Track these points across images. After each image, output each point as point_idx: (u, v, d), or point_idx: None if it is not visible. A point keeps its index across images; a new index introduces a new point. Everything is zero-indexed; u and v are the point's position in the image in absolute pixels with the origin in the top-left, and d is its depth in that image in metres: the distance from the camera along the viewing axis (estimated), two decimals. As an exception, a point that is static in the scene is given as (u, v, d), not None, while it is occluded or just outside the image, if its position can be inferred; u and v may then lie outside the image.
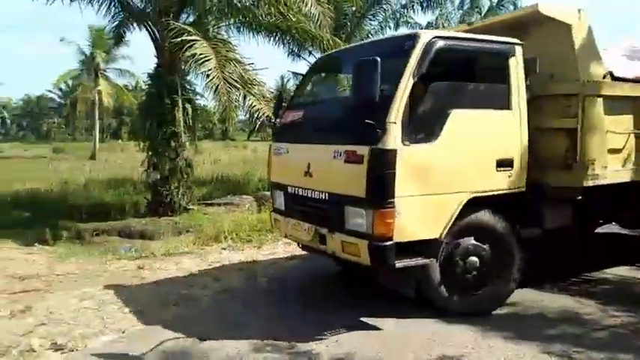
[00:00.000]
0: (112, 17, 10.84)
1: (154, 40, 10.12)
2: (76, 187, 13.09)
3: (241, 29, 10.87)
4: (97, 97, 32.34)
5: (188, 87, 10.34)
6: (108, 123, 45.48)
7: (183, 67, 10.16)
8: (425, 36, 4.16)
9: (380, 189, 3.92)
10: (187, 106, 10.01)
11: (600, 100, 4.67)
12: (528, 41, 4.82)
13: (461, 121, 4.20)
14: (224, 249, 7.34)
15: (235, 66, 9.26)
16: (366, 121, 3.90)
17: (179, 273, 6.12)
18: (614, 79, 4.90)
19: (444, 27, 18.48)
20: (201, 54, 8.56)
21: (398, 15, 16.00)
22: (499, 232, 4.41)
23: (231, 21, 10.72)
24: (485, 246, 4.37)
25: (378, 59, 3.82)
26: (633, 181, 5.01)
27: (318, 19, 10.61)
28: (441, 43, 4.19)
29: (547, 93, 4.77)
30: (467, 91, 4.38)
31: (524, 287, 5.05)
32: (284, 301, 5.01)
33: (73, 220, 9.26)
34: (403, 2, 15.67)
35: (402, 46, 4.18)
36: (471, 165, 4.24)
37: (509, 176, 4.39)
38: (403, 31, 19.41)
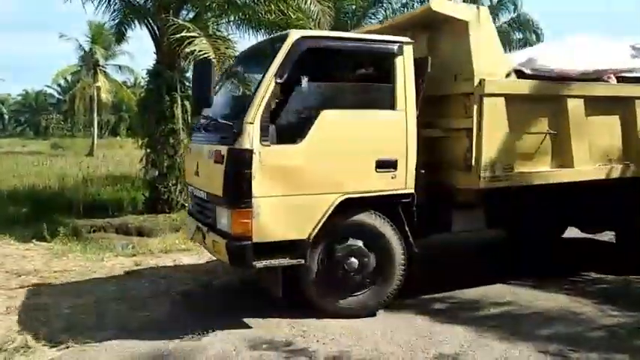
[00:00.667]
0: (112, 13, 10.85)
1: (154, 36, 10.12)
2: (74, 184, 13.08)
3: (241, 26, 10.87)
4: (95, 94, 32.28)
5: (187, 84, 10.33)
6: (106, 119, 45.37)
7: (182, 63, 10.17)
8: (292, 36, 4.15)
9: (235, 189, 3.94)
10: (186, 103, 10.01)
11: (501, 99, 4.52)
12: (437, 39, 4.83)
13: (332, 121, 4.16)
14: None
15: (235, 63, 9.25)
16: (219, 121, 3.97)
17: (177, 270, 6.12)
18: (525, 77, 4.78)
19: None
20: (200, 50, 8.56)
21: (398, 14, 15.96)
22: (382, 234, 4.32)
23: (231, 18, 10.72)
24: (366, 247, 4.29)
25: (212, 61, 3.90)
26: (575, 182, 4.87)
27: (317, 17, 10.60)
28: (310, 44, 4.18)
29: (446, 93, 4.73)
30: (342, 92, 4.36)
31: (519, 286, 5.09)
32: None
33: (71, 217, 9.26)
34: (404, 1, 15.63)
35: (274, 46, 4.19)
36: (343, 166, 4.16)
37: (392, 177, 4.29)
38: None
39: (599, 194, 5.15)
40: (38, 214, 9.34)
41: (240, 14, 10.45)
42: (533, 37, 16.81)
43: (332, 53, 4.42)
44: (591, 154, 4.97)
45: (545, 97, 4.81)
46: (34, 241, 7.67)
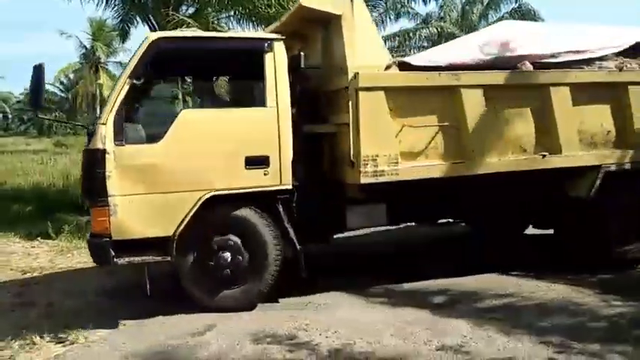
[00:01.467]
0: (113, 9, 10.89)
1: (154, 32, 10.11)
2: (78, 181, 13.12)
3: (241, 21, 10.86)
4: (98, 91, 32.34)
5: (188, 79, 10.33)
6: (109, 116, 45.59)
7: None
8: (150, 38, 4.22)
9: (91, 188, 4.06)
10: (188, 98, 10.01)
11: (380, 92, 4.38)
12: (327, 34, 4.78)
13: (193, 120, 4.24)
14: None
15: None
16: (73, 123, 4.10)
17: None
18: (412, 68, 4.64)
19: (447, 18, 18.39)
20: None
21: (399, 6, 15.90)
22: (255, 230, 4.33)
23: (231, 12, 10.71)
24: (239, 243, 4.31)
25: (43, 64, 3.98)
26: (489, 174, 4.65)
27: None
28: (170, 45, 4.27)
29: (334, 88, 4.67)
30: (207, 91, 4.45)
31: (521, 277, 5.09)
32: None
33: (75, 214, 9.29)
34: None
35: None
36: (208, 164, 4.18)
37: (265, 174, 4.30)
38: (404, 23, 19.29)
39: (524, 187, 4.97)
40: (43, 211, 9.37)
41: (240, 9, 10.44)
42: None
43: (196, 53, 4.49)
44: (497, 146, 4.73)
45: (434, 89, 4.60)
46: (38, 238, 7.71)
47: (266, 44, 4.38)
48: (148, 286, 4.28)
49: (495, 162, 4.73)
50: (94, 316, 4.47)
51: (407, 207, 4.92)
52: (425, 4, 16.29)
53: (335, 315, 4.26)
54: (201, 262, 4.30)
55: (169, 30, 9.15)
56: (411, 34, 17.53)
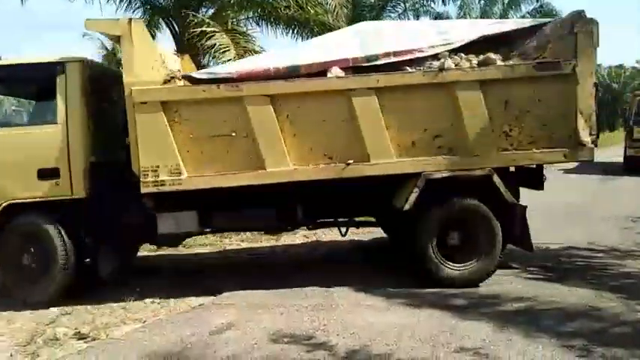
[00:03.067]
0: (133, 12, 11.00)
1: (174, 33, 10.22)
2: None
3: (260, 22, 10.91)
4: (119, 91, 32.71)
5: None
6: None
7: (201, 60, 10.24)
8: None
9: None
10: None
11: (157, 106, 4.56)
12: None
13: None
14: (243, 241, 7.42)
15: (254, 57, 9.30)
16: None
17: (199, 264, 6.20)
18: (200, 82, 4.68)
19: (467, 18, 18.29)
20: (220, 44, 8.67)
21: (418, 6, 15.84)
22: (46, 235, 4.77)
23: (250, 14, 10.76)
24: (33, 247, 4.80)
25: None
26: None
27: (335, 11, 10.58)
28: None
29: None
30: (5, 111, 4.87)
31: (542, 281, 5.02)
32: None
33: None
34: (424, -8, 15.49)
35: None
36: (4, 176, 4.76)
37: (56, 184, 4.75)
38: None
39: (345, 195, 5.05)
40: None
41: (260, 10, 10.49)
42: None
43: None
44: (293, 154, 4.70)
45: (218, 101, 4.64)
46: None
47: (58, 67, 4.82)
48: None
49: (289, 171, 4.71)
50: (116, 313, 4.57)
51: (222, 214, 5.03)
52: (444, 4, 16.15)
53: (353, 316, 4.26)
54: (11, 265, 4.84)
55: (190, 30, 9.28)
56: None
